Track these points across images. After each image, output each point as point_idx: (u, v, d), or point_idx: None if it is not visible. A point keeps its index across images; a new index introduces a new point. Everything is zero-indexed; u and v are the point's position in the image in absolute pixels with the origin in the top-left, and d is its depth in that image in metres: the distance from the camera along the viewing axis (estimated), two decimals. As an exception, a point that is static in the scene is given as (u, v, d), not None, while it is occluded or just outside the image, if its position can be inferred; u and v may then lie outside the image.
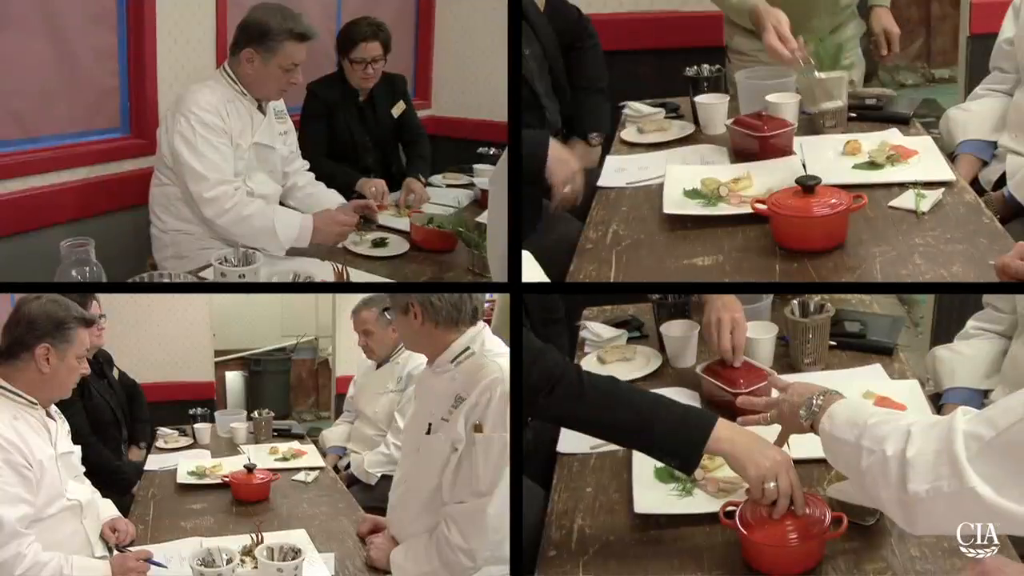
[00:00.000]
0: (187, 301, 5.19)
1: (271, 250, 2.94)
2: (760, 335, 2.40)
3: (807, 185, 2.20)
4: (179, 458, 3.59)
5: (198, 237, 3.05)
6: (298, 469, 3.36)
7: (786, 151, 2.61)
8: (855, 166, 2.50)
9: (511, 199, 2.17)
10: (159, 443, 3.90)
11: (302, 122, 3.70)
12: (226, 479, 3.13)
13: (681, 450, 1.83)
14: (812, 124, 2.79)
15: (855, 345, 2.49)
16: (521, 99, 2.43)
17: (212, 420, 4.15)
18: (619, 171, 2.79)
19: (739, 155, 2.69)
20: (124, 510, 2.76)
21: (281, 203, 3.23)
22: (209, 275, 2.75)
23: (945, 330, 2.99)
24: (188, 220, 3.04)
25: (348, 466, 3.56)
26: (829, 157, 2.56)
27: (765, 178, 2.46)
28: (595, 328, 2.65)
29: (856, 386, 2.23)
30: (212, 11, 3.52)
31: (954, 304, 3.15)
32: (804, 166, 2.51)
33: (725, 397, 2.23)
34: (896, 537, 1.80)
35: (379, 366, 3.63)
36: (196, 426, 3.99)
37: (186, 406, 4.18)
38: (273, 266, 2.86)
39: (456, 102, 4.81)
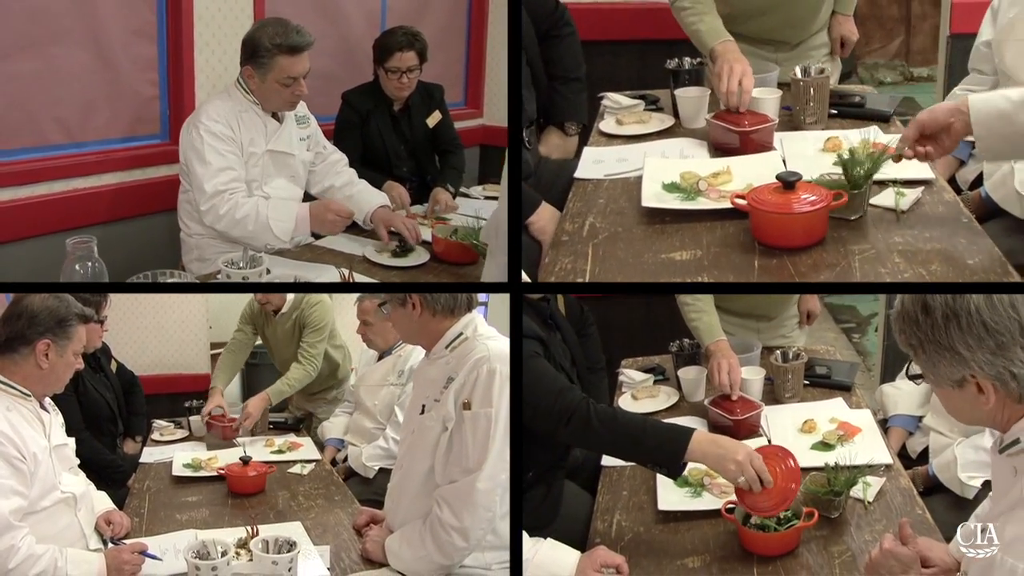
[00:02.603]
0: (184, 294, 5.20)
1: (275, 245, 3.00)
2: (751, 376, 2.94)
3: (787, 181, 2.18)
4: (175, 450, 3.60)
5: (218, 241, 3.11)
6: (294, 462, 3.37)
7: (766, 146, 2.61)
8: (836, 163, 2.46)
9: (511, 199, 2.20)
10: (155, 435, 3.90)
11: (336, 130, 3.70)
12: (221, 471, 3.15)
13: (665, 461, 2.19)
14: (793, 120, 2.79)
15: (823, 383, 3.08)
16: (521, 98, 2.44)
17: (208, 412, 4.15)
18: (597, 163, 2.75)
19: (719, 149, 2.68)
20: (119, 502, 2.78)
21: None
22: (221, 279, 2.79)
23: (889, 372, 3.93)
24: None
25: (346, 458, 3.55)
26: (809, 154, 2.55)
27: (745, 173, 2.43)
28: (629, 373, 3.23)
29: (824, 414, 2.79)
30: (249, 23, 3.56)
31: (897, 354, 3.70)
32: (784, 162, 2.49)
33: (726, 423, 2.74)
34: (854, 526, 2.23)
35: (381, 357, 3.63)
36: (192, 418, 3.97)
37: (182, 398, 4.16)
38: (280, 269, 2.90)
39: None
